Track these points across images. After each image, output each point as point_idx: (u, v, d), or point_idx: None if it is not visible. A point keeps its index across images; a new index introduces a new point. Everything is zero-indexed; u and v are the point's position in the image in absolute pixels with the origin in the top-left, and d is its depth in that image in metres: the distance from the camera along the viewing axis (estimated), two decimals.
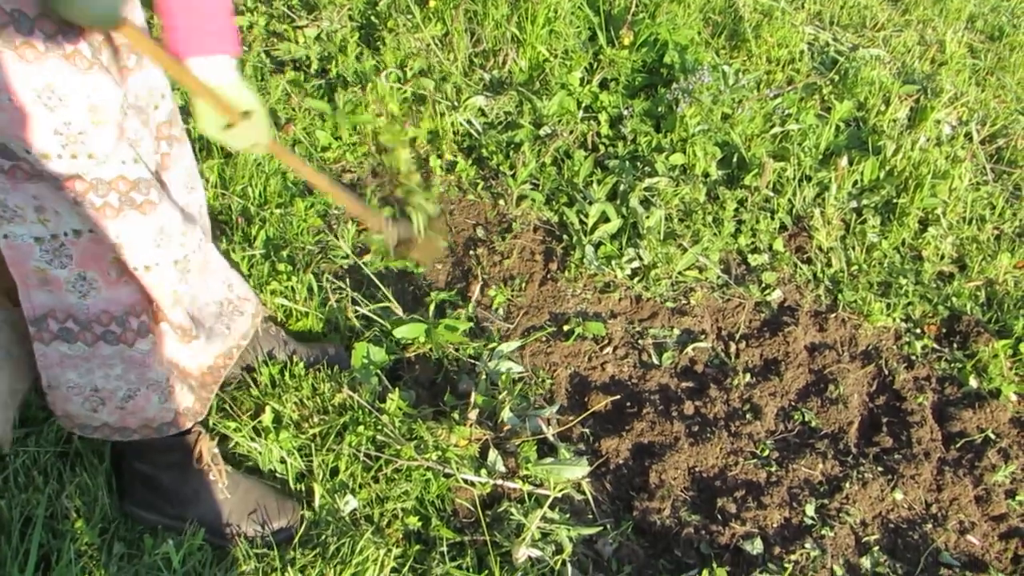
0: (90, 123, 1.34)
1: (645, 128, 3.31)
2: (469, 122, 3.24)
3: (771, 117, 3.50)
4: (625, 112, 3.36)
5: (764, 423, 2.49)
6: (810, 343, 2.79)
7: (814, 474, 2.37)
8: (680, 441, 2.36)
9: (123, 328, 1.59)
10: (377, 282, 2.56)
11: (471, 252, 2.85)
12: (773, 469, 2.36)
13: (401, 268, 2.70)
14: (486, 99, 3.31)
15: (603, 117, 3.38)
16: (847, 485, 2.33)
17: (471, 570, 1.95)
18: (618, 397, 2.49)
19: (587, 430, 2.38)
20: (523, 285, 2.77)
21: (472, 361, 2.43)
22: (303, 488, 2.04)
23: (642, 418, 2.41)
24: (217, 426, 2.09)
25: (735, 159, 3.31)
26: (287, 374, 2.21)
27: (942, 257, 3.19)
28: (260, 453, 2.06)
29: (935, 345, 2.87)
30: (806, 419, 2.54)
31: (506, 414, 2.25)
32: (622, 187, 3.06)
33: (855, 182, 3.36)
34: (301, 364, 2.22)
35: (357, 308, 2.46)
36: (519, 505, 2.08)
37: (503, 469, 2.15)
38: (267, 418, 2.10)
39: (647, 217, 2.91)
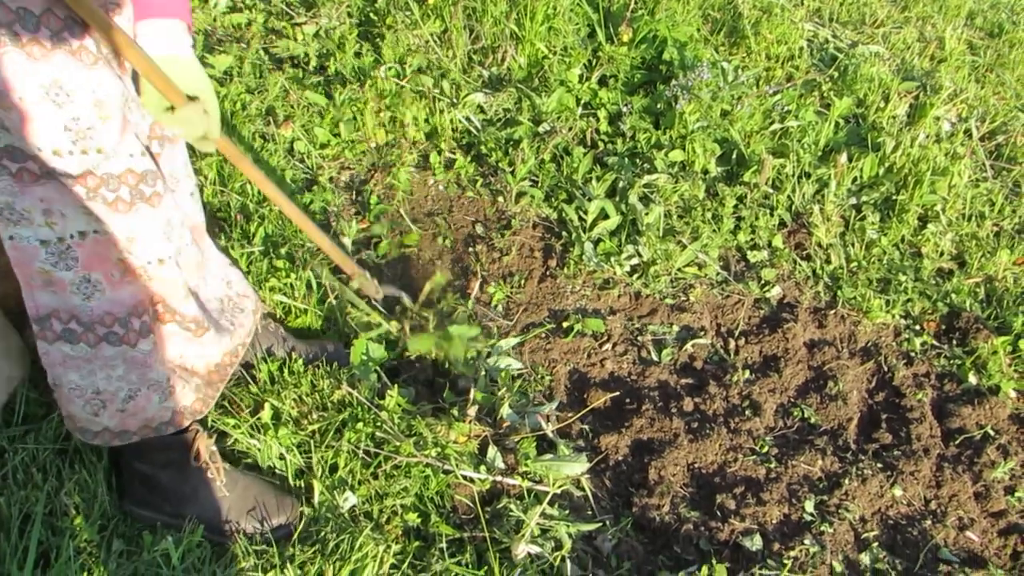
0: (97, 118, 1.34)
1: (644, 125, 3.31)
2: (468, 119, 3.24)
3: (770, 114, 3.49)
4: (624, 109, 3.36)
5: (763, 419, 2.49)
6: (809, 340, 2.79)
7: (813, 470, 2.37)
8: (679, 437, 2.36)
9: (126, 329, 1.59)
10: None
11: (470, 249, 2.85)
12: (772, 465, 2.36)
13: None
14: (485, 96, 3.31)
15: (602, 114, 3.38)
16: (846, 481, 2.33)
17: (470, 566, 1.95)
18: (617, 394, 2.49)
19: (586, 426, 2.38)
20: (522, 282, 2.77)
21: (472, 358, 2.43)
22: (302, 485, 2.04)
23: (641, 415, 2.41)
24: (216, 423, 2.09)
25: (734, 156, 3.30)
26: (286, 371, 2.20)
27: (941, 254, 3.19)
28: (259, 450, 2.06)
29: (934, 342, 2.87)
30: (805, 415, 2.54)
31: (505, 411, 2.25)
32: (621, 184, 3.05)
33: (854, 179, 3.36)
34: (300, 361, 2.22)
35: (356, 307, 2.46)
36: (518, 501, 2.08)
37: (502, 465, 2.15)
38: (266, 415, 2.10)
39: (646, 214, 2.90)
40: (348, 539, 1.89)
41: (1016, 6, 5.32)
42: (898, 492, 2.36)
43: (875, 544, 2.22)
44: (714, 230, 3.00)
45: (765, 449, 2.41)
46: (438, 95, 3.23)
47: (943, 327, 2.94)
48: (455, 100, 3.26)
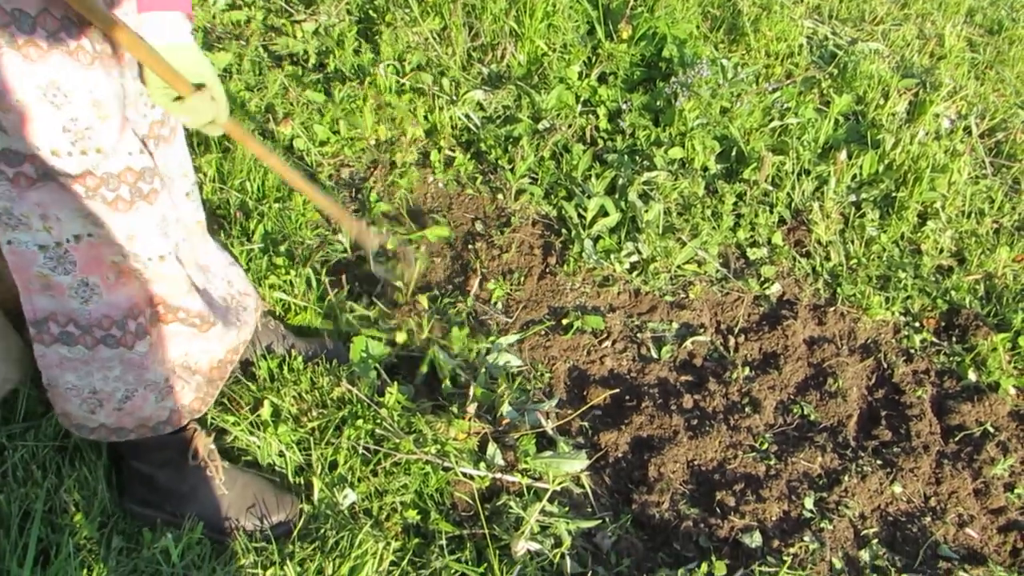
0: (96, 118, 1.34)
1: (644, 122, 3.31)
2: (467, 116, 3.24)
3: (770, 111, 3.49)
4: (624, 106, 3.35)
5: (763, 416, 2.49)
6: (809, 337, 2.79)
7: (813, 467, 2.37)
8: (679, 435, 2.36)
9: (123, 331, 1.59)
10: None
11: (470, 246, 2.85)
12: (772, 462, 2.36)
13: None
14: (484, 93, 3.30)
15: (602, 111, 3.38)
16: (846, 478, 2.33)
17: (470, 563, 1.95)
18: (617, 391, 2.49)
19: (586, 424, 2.38)
20: (522, 279, 2.76)
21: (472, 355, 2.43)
22: (302, 482, 2.04)
23: (641, 412, 2.41)
24: (216, 420, 2.09)
25: (734, 153, 3.30)
26: (286, 368, 2.20)
27: (941, 251, 3.19)
28: (259, 447, 2.06)
29: (934, 339, 2.87)
30: (805, 412, 2.54)
31: (505, 408, 2.25)
32: (621, 181, 3.05)
33: (854, 176, 3.36)
34: (300, 358, 2.22)
35: (356, 304, 2.46)
36: (518, 498, 2.08)
37: (502, 463, 2.15)
38: (266, 412, 2.10)
39: (646, 211, 2.90)
40: (348, 536, 1.89)
41: (1016, 3, 5.32)
42: (898, 489, 2.36)
43: (875, 541, 2.23)
44: (714, 227, 3.00)
45: (765, 446, 2.41)
46: (437, 92, 3.23)
47: (943, 324, 2.94)
48: (454, 97, 3.25)
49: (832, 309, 2.86)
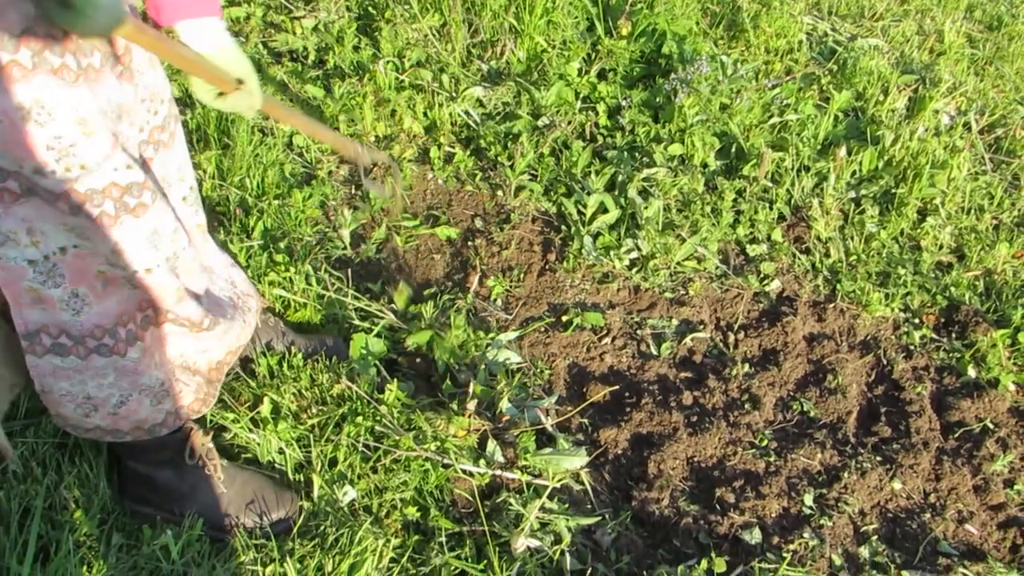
0: (81, 135, 1.32)
1: (643, 118, 3.31)
2: (467, 113, 3.24)
3: (769, 107, 3.49)
4: (623, 103, 3.35)
5: (763, 413, 2.49)
6: (809, 333, 2.79)
7: (813, 464, 2.37)
8: (679, 431, 2.36)
9: (115, 340, 1.58)
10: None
11: (469, 243, 2.85)
12: (772, 459, 2.36)
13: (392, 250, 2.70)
14: (484, 90, 3.30)
15: (601, 108, 3.38)
16: (846, 475, 2.33)
17: (470, 560, 1.95)
18: (617, 387, 2.49)
19: (586, 420, 2.38)
20: (521, 276, 2.76)
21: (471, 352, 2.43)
22: (302, 479, 2.04)
23: (641, 408, 2.41)
24: (215, 417, 2.09)
25: (733, 149, 3.30)
26: (285, 365, 2.20)
27: (941, 247, 3.19)
28: (258, 444, 2.06)
29: (934, 335, 2.87)
30: (805, 409, 2.54)
31: (505, 404, 2.25)
32: (620, 178, 3.05)
33: (854, 172, 3.36)
34: (299, 355, 2.22)
35: (356, 301, 2.46)
36: (518, 495, 2.08)
37: (502, 459, 2.15)
38: (265, 409, 2.10)
39: (645, 208, 2.90)
40: (347, 533, 1.89)
41: None
42: (897, 485, 2.36)
43: (874, 537, 2.23)
44: (713, 224, 3.00)
45: (764, 443, 2.41)
46: (437, 89, 3.22)
47: (942, 320, 2.94)
48: (454, 94, 3.25)
49: (832, 305, 2.86)
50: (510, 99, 3.31)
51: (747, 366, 2.63)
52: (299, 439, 2.08)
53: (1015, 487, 2.43)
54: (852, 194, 3.27)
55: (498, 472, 2.12)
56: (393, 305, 2.51)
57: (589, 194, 2.92)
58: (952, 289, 3.01)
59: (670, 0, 3.77)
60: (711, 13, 4.05)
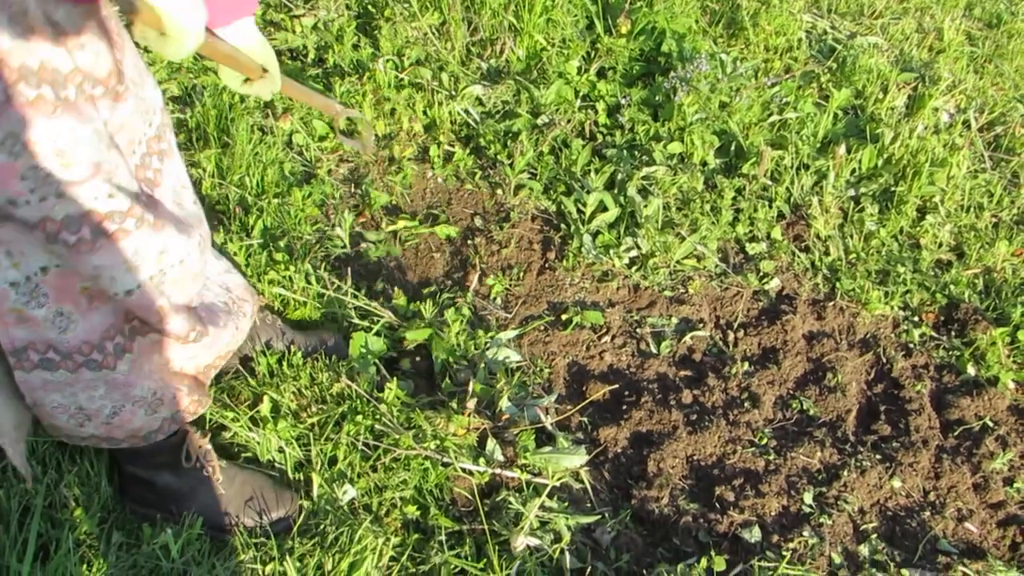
0: (59, 166, 1.30)
1: (643, 117, 3.31)
2: (467, 111, 3.24)
3: (769, 105, 3.49)
4: (623, 101, 3.35)
5: (762, 411, 2.49)
6: (808, 331, 2.79)
7: (812, 462, 2.37)
8: (678, 430, 2.36)
9: (103, 354, 1.57)
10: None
11: (469, 241, 2.85)
12: (771, 457, 2.36)
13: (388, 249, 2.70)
14: (483, 88, 3.30)
15: (601, 106, 3.38)
16: (845, 473, 2.33)
17: (469, 559, 1.95)
18: (616, 386, 2.49)
19: (585, 419, 2.39)
20: (521, 274, 2.76)
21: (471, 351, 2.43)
22: (301, 478, 2.04)
23: (640, 407, 2.41)
24: (214, 416, 2.09)
25: (733, 148, 3.30)
26: (285, 364, 2.20)
27: (940, 245, 3.19)
28: (258, 443, 2.06)
29: (933, 333, 2.87)
30: (804, 407, 2.54)
31: (504, 403, 2.25)
32: (620, 176, 3.05)
33: (853, 170, 3.36)
34: (299, 353, 2.22)
35: (355, 300, 2.46)
36: (517, 494, 2.08)
37: (501, 458, 2.15)
38: (265, 408, 2.10)
39: (645, 206, 2.90)
40: (347, 532, 1.89)
41: None
42: (897, 483, 2.36)
43: (874, 536, 2.23)
44: (713, 222, 3.00)
45: (764, 441, 2.41)
46: (436, 87, 3.22)
47: (942, 318, 2.94)
48: (453, 92, 3.25)
49: (831, 304, 2.86)
50: (509, 97, 3.31)
51: (747, 364, 2.63)
52: (299, 438, 2.08)
53: (1015, 485, 2.43)
54: (851, 192, 3.27)
55: (498, 471, 2.12)
56: (393, 304, 2.51)
57: (589, 192, 2.92)
58: (952, 287, 3.01)
59: None
60: (710, 11, 4.05)
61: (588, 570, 2.00)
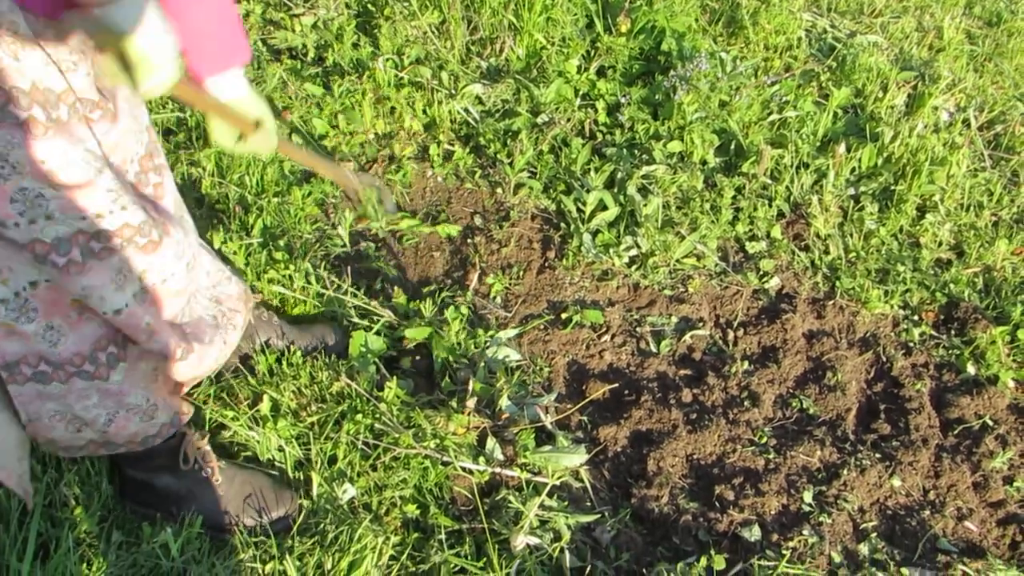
0: (48, 187, 1.30)
1: (643, 116, 3.30)
2: (466, 110, 3.23)
3: (769, 104, 3.49)
4: (622, 100, 3.35)
5: (762, 410, 2.49)
6: (808, 330, 2.79)
7: (812, 461, 2.37)
8: (678, 429, 2.36)
9: (95, 365, 1.57)
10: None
11: (469, 240, 2.85)
12: (771, 456, 2.36)
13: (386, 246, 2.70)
14: (483, 87, 3.30)
15: (600, 105, 3.37)
16: (845, 472, 2.33)
17: (469, 558, 1.95)
18: (616, 385, 2.49)
19: (585, 418, 2.38)
20: (521, 273, 2.76)
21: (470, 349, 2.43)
22: (301, 477, 2.04)
23: (640, 406, 2.41)
24: (214, 416, 2.09)
25: (733, 146, 3.30)
26: (285, 363, 2.20)
27: (940, 244, 3.19)
28: (258, 442, 2.06)
29: (933, 332, 2.87)
30: (804, 406, 2.54)
31: (504, 402, 2.25)
32: (620, 175, 3.05)
33: (853, 169, 3.35)
34: (299, 352, 2.22)
35: (355, 299, 2.46)
36: (517, 493, 2.08)
37: (501, 457, 2.15)
38: (265, 407, 2.10)
39: (645, 205, 2.90)
40: (347, 531, 1.89)
41: None
42: (897, 482, 2.36)
43: (874, 534, 2.23)
44: (712, 221, 3.00)
45: (764, 440, 2.41)
46: (436, 86, 3.22)
47: (942, 317, 2.94)
48: (453, 91, 3.25)
49: (831, 302, 2.86)
50: (509, 96, 3.31)
51: (746, 363, 2.63)
52: (298, 437, 2.08)
53: (1014, 484, 2.43)
54: (851, 191, 3.27)
55: (497, 470, 2.12)
56: (392, 303, 2.51)
57: (588, 191, 2.92)
58: (951, 286, 3.01)
59: None
60: (710, 10, 4.05)
61: (588, 569, 2.00)
